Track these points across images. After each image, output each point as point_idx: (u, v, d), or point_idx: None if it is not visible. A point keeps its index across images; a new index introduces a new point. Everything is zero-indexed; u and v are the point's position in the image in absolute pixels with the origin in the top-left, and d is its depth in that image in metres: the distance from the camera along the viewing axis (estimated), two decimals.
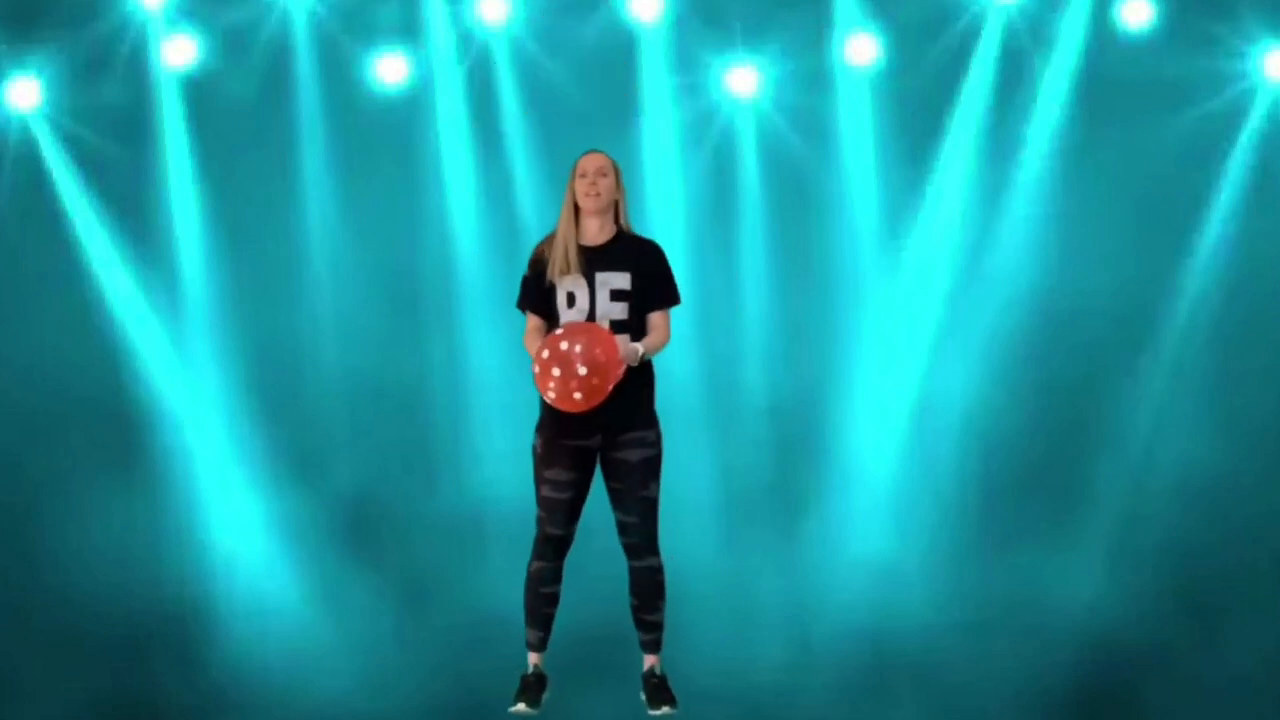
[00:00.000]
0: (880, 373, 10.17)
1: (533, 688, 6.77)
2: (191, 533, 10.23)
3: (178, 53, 10.11)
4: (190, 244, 10.23)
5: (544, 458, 6.67)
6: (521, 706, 6.74)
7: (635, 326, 6.60)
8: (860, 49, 10.04)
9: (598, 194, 6.67)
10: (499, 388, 10.21)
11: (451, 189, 10.22)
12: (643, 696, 6.86)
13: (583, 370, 6.30)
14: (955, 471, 10.13)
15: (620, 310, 6.59)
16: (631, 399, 6.61)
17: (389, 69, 10.18)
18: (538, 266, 6.73)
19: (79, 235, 10.15)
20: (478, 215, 10.22)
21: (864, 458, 10.19)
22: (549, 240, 6.75)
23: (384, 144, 10.19)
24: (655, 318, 6.66)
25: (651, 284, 6.65)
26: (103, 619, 10.13)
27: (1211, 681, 9.93)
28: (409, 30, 10.16)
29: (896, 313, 10.17)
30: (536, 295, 6.72)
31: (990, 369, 10.08)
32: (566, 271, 6.63)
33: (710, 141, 10.19)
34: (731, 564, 10.02)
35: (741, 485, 10.07)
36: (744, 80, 10.12)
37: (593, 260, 6.63)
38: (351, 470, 10.28)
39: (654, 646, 6.85)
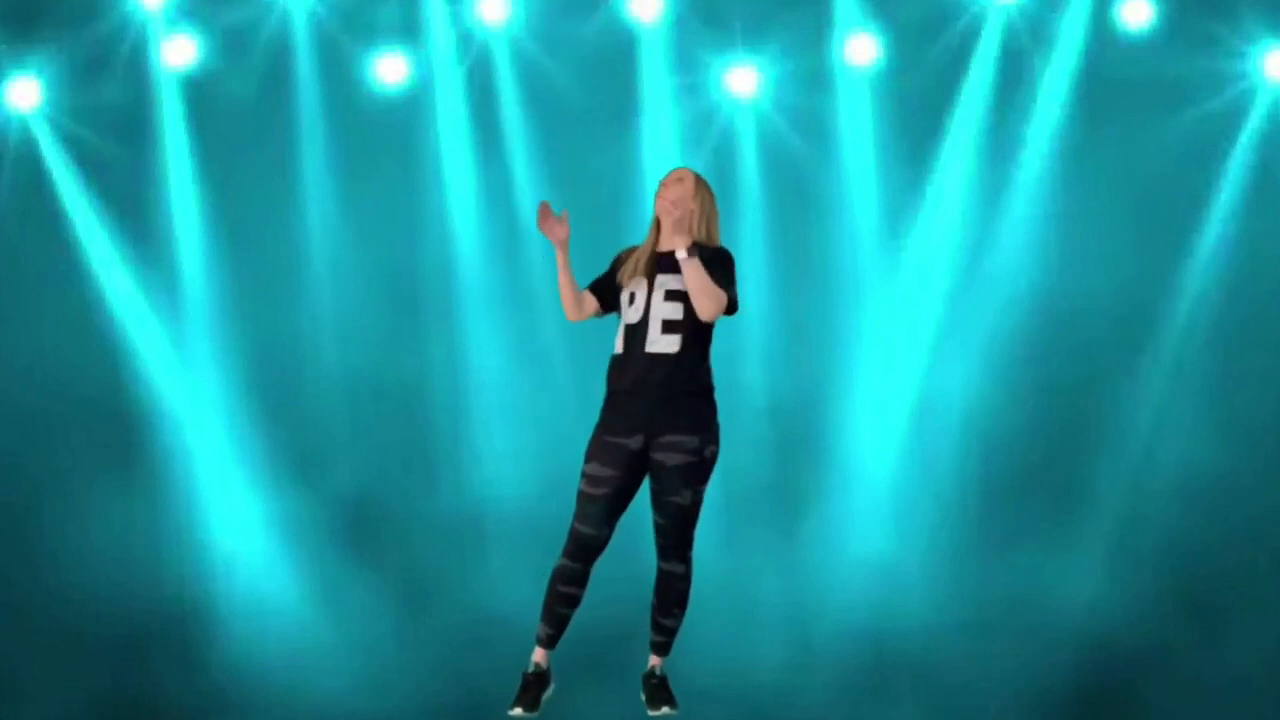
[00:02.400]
0: (880, 373, 10.17)
1: (532, 688, 6.73)
2: (191, 533, 10.23)
3: (178, 53, 10.11)
4: (190, 244, 10.23)
5: (589, 451, 6.67)
6: (519, 711, 6.70)
7: (690, 329, 6.59)
8: (860, 49, 10.04)
9: (670, 200, 6.63)
10: (499, 388, 10.22)
11: (451, 189, 10.22)
12: (642, 697, 6.86)
13: None
14: (955, 471, 10.13)
15: (674, 310, 6.59)
16: (674, 403, 6.61)
17: (389, 69, 10.19)
18: (614, 265, 6.80)
19: (79, 235, 10.15)
20: (478, 215, 10.23)
21: (864, 458, 10.19)
22: (633, 248, 6.80)
23: (384, 144, 10.19)
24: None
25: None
26: (103, 619, 10.13)
27: (1211, 681, 9.93)
28: (409, 30, 10.16)
29: (896, 313, 10.17)
30: (599, 280, 6.76)
31: (990, 369, 10.08)
32: (634, 275, 6.67)
33: (710, 141, 10.19)
34: (731, 564, 10.01)
35: (741, 485, 10.07)
36: (744, 80, 10.12)
37: (660, 264, 6.66)
38: (351, 470, 10.28)
39: (662, 649, 6.84)
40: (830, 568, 10.14)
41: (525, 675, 6.76)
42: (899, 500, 10.17)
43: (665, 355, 6.57)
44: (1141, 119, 9.91)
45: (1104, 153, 9.98)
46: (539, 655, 6.78)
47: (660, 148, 10.01)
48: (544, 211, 6.63)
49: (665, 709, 6.76)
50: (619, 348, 6.68)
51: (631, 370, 6.61)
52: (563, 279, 6.71)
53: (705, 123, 10.19)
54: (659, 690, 6.80)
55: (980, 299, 10.10)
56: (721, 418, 6.77)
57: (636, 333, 6.63)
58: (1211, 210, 9.97)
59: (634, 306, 6.66)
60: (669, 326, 6.59)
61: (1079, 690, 10.02)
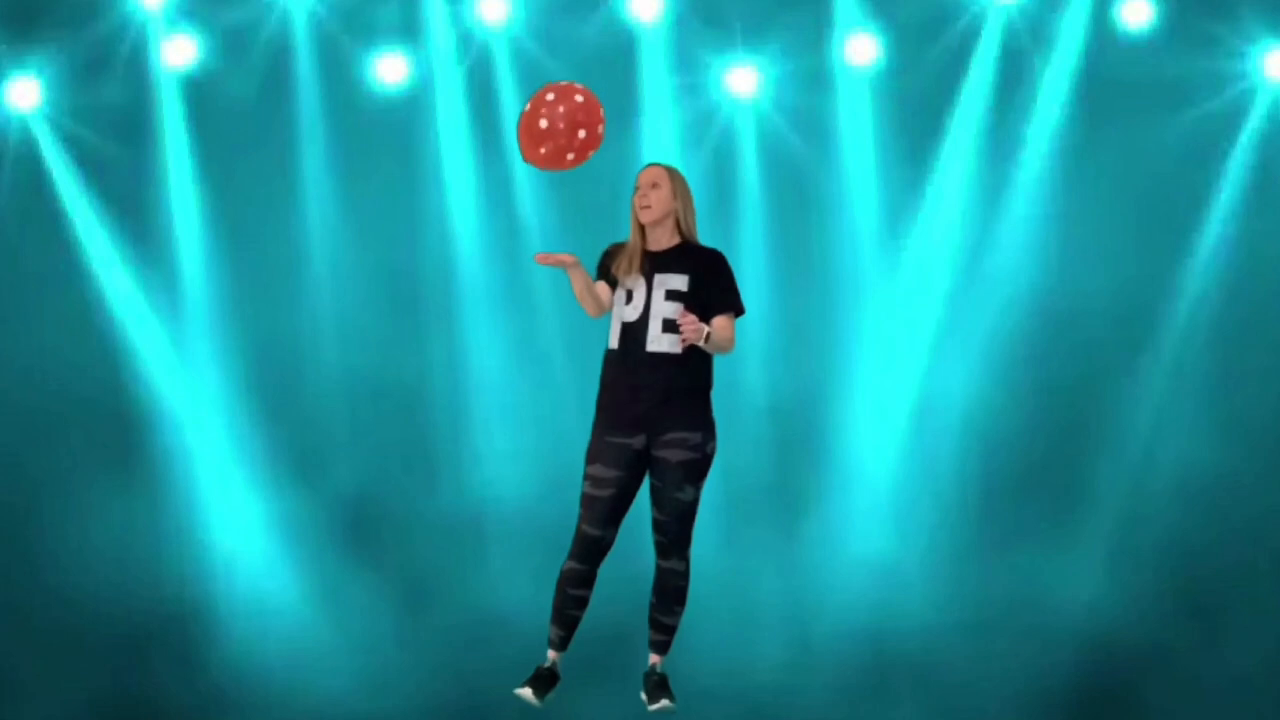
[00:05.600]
0: (880, 373, 10.18)
1: (544, 680, 6.83)
2: (191, 533, 10.24)
3: (178, 53, 10.12)
4: (190, 244, 10.24)
5: (590, 453, 6.73)
6: (527, 691, 6.78)
7: None
8: (860, 49, 10.05)
9: (648, 206, 6.77)
10: (499, 388, 10.23)
11: (451, 189, 10.23)
12: (643, 694, 6.89)
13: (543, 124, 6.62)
14: (955, 471, 10.13)
15: (674, 310, 6.66)
16: (676, 400, 6.65)
17: (389, 69, 10.19)
18: (605, 259, 6.85)
19: (79, 235, 10.16)
20: (478, 215, 10.23)
21: (864, 458, 10.19)
22: (620, 244, 6.84)
23: (384, 144, 10.20)
24: (718, 321, 6.69)
25: (711, 288, 6.71)
26: (103, 619, 10.14)
27: (1211, 681, 9.94)
28: (409, 30, 10.17)
29: (896, 313, 10.17)
30: (602, 273, 6.83)
31: (990, 369, 10.09)
32: (629, 273, 6.71)
33: (710, 141, 10.20)
34: (731, 564, 10.02)
35: (741, 485, 10.07)
36: (744, 80, 10.12)
37: (654, 264, 6.74)
38: (351, 470, 10.28)
39: (662, 648, 6.89)
40: (830, 568, 10.14)
41: (540, 667, 6.86)
42: (899, 500, 10.17)
43: (667, 355, 6.64)
44: (1141, 119, 9.92)
45: (1104, 153, 9.98)
46: (552, 655, 6.90)
47: (660, 148, 10.01)
48: (544, 259, 6.62)
49: (664, 702, 6.80)
50: (615, 344, 6.72)
51: (632, 369, 6.65)
52: (584, 288, 6.70)
53: (705, 123, 10.20)
54: (659, 687, 6.85)
55: (980, 299, 10.10)
56: (721, 417, 6.79)
57: (635, 331, 6.67)
58: (1211, 210, 9.98)
59: (631, 305, 6.71)
60: (670, 326, 6.64)
61: (1079, 690, 10.02)
